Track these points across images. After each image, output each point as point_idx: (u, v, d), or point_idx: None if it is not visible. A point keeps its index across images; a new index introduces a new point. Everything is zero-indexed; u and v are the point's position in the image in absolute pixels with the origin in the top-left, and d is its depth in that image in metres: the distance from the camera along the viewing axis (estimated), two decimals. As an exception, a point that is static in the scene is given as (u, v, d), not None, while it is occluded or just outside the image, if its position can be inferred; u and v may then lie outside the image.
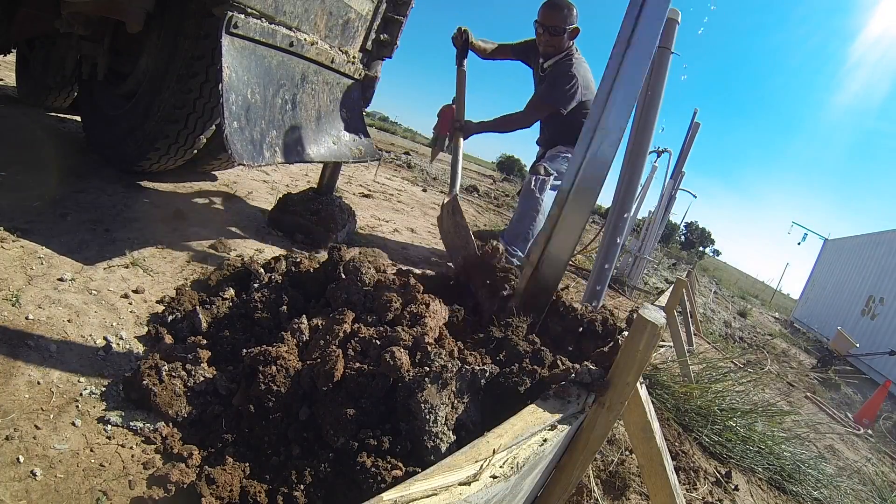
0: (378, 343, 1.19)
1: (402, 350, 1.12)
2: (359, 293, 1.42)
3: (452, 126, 2.63)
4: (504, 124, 2.79)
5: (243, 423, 1.09)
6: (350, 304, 1.39)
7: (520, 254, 2.81)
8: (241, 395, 1.14)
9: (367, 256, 1.70)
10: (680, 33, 2.31)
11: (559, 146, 3.05)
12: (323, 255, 1.90)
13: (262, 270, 1.59)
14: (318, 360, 1.13)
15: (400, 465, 0.93)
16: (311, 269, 1.59)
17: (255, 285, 1.53)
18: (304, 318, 1.32)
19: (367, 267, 1.48)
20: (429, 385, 1.02)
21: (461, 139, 2.48)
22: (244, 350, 1.21)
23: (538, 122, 3.02)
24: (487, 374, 1.11)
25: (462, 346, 1.29)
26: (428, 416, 0.99)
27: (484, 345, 1.32)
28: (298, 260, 1.67)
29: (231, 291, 1.53)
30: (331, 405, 1.05)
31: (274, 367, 1.11)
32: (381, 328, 1.25)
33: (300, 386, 1.12)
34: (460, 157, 2.38)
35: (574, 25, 2.68)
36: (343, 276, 1.48)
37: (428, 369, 1.05)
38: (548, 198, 2.84)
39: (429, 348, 1.14)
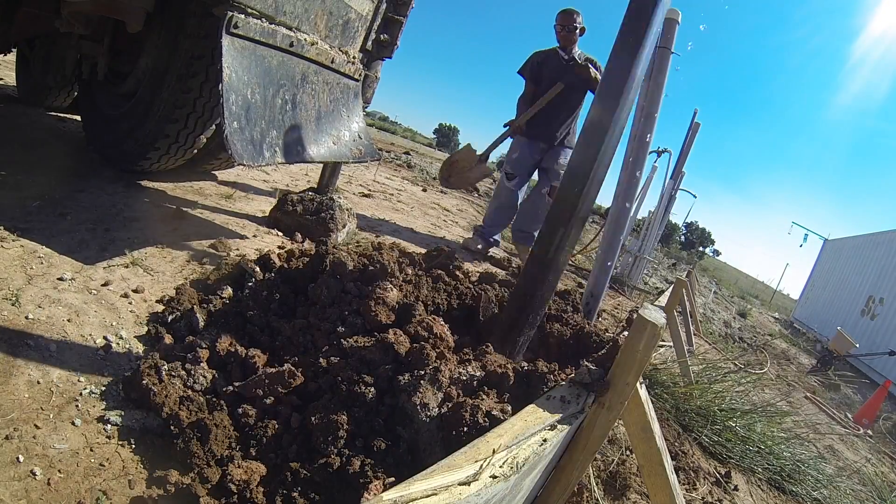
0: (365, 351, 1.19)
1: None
2: (339, 291, 1.40)
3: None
4: None
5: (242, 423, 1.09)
6: (331, 304, 1.38)
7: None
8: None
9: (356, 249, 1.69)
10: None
11: (565, 148, 3.63)
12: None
13: (257, 269, 1.59)
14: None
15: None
16: (301, 265, 1.58)
17: (249, 284, 1.53)
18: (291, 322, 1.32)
19: (350, 261, 1.47)
20: (425, 387, 1.02)
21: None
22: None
23: (540, 112, 3.55)
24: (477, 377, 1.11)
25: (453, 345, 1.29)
26: (424, 418, 1.00)
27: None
28: (289, 254, 1.66)
29: (229, 290, 1.53)
30: (322, 412, 1.04)
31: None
32: (368, 336, 1.25)
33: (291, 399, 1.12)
34: None
35: (582, 25, 3.58)
36: (328, 270, 1.47)
37: (422, 372, 1.05)
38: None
39: (427, 351, 1.14)
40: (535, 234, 3.69)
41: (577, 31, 3.57)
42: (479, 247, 3.65)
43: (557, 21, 3.60)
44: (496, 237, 3.84)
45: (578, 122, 3.67)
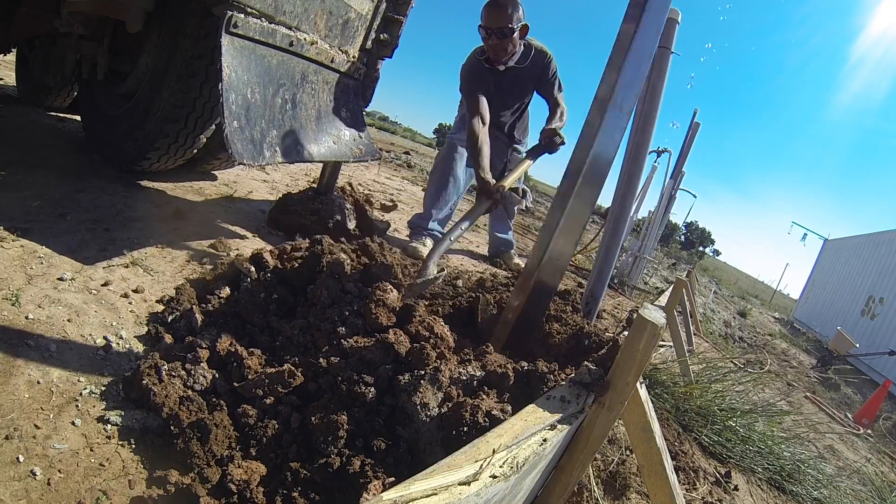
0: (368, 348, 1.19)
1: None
2: (338, 291, 1.40)
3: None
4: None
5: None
6: (331, 304, 1.38)
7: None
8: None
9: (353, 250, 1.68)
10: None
11: (518, 148, 3.10)
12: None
13: (252, 269, 1.58)
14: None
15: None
16: (296, 265, 1.58)
17: (245, 284, 1.53)
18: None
19: (346, 262, 1.47)
20: (425, 387, 1.02)
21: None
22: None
23: (505, 110, 2.91)
24: (477, 377, 1.11)
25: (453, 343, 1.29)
26: (424, 418, 1.00)
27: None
28: (281, 252, 1.65)
29: (227, 290, 1.53)
30: (322, 412, 1.04)
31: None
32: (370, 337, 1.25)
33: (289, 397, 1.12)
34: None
35: (523, 23, 2.47)
36: (326, 271, 1.47)
37: (422, 372, 1.05)
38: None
39: (428, 350, 1.14)
40: (511, 234, 3.54)
41: (515, 34, 2.43)
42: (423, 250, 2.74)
43: (483, 21, 2.43)
44: (437, 227, 3.15)
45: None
